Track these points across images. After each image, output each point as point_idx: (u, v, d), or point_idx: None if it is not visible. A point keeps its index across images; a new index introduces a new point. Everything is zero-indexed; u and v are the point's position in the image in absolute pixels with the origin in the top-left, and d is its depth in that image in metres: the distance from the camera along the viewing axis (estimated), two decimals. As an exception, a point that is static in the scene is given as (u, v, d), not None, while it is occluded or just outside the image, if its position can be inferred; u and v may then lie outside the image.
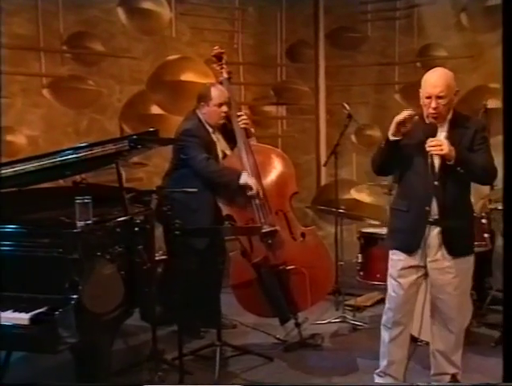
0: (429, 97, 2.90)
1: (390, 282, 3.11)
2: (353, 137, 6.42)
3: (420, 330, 3.10)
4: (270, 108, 6.62)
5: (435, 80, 2.91)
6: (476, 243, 3.86)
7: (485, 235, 3.96)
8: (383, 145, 2.98)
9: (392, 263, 3.10)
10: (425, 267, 3.02)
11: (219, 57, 4.09)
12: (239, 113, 4.04)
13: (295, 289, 3.82)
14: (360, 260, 4.56)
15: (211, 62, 4.32)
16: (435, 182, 2.93)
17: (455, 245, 2.98)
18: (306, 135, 6.63)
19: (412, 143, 2.96)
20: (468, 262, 3.05)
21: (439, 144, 2.86)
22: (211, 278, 3.94)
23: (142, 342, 3.84)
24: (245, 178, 3.80)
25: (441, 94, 2.89)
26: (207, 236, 3.84)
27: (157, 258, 3.64)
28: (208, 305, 3.91)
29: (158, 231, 3.82)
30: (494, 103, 4.98)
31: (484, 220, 4.02)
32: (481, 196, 4.48)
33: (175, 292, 3.44)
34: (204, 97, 3.97)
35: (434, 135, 2.91)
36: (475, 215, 3.91)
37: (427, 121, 2.97)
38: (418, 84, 6.49)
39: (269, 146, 4.14)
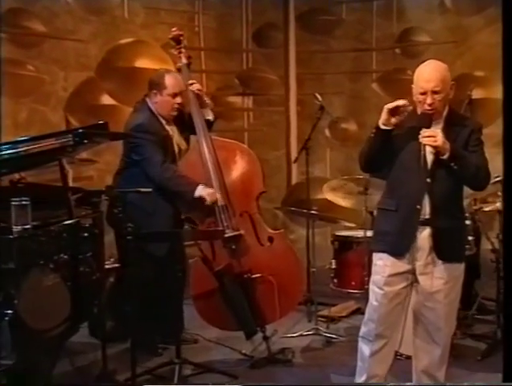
0: (424, 93, 2.92)
1: (373, 290, 3.11)
2: (327, 131, 6.47)
3: (401, 343, 3.12)
4: (235, 99, 6.61)
5: (428, 74, 2.93)
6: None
7: (469, 238, 4.01)
8: (373, 134, 2.98)
9: (377, 269, 3.10)
10: (413, 273, 3.04)
11: (177, 40, 4.04)
12: (191, 81, 3.99)
13: (262, 299, 3.82)
14: (334, 267, 4.59)
15: (169, 47, 4.28)
16: (428, 179, 2.95)
17: (447, 249, 3.01)
18: (275, 129, 6.65)
19: (403, 136, 2.98)
20: (459, 269, 3.09)
21: (433, 135, 2.89)
22: (169, 288, 3.91)
23: (91, 362, 3.77)
24: (200, 192, 3.79)
25: (436, 89, 2.91)
26: (164, 241, 3.82)
27: (108, 266, 3.61)
28: (166, 319, 3.88)
29: (110, 236, 3.80)
30: (479, 93, 5.07)
31: (468, 222, 4.06)
32: (465, 195, 4.54)
33: (129, 304, 3.40)
34: (156, 85, 3.93)
35: (428, 126, 2.94)
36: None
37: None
38: (397, 72, 6.56)
39: (233, 141, 4.12)
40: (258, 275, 3.82)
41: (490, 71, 5.81)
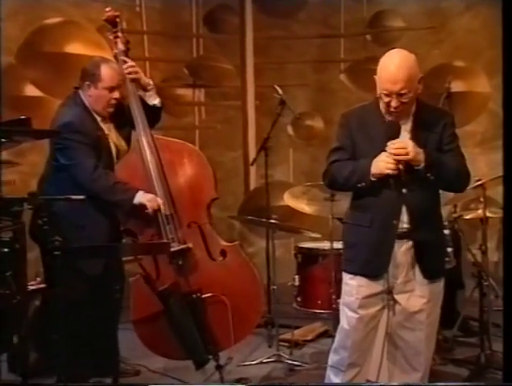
0: (388, 95, 2.92)
1: (346, 314, 3.12)
2: (289, 129, 6.48)
3: (379, 372, 3.12)
4: (184, 92, 6.58)
5: (394, 74, 2.90)
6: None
7: (449, 249, 4.06)
8: (362, 185, 3.00)
9: (350, 289, 3.11)
10: (390, 292, 3.06)
11: (113, 22, 3.97)
12: (126, 65, 3.89)
13: (213, 322, 3.80)
14: (297, 283, 4.58)
15: (106, 29, 4.20)
16: (403, 190, 2.98)
17: (429, 263, 3.06)
18: (230, 126, 6.64)
19: (372, 144, 3.00)
20: (440, 286, 3.14)
21: (404, 147, 2.90)
22: (105, 312, 3.85)
23: (10, 403, 3.70)
24: (140, 198, 3.76)
25: (403, 91, 2.90)
26: (98, 257, 3.77)
27: (31, 288, 3.51)
28: (101, 347, 3.83)
29: (36, 252, 3.75)
30: (459, 85, 5.13)
31: (446, 231, 4.10)
32: (444, 201, 4.58)
33: (57, 331, 3.33)
34: (90, 76, 3.86)
35: (397, 135, 2.95)
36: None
37: (386, 118, 3.00)
38: (368, 62, 6.57)
39: (178, 140, 4.07)
40: (209, 295, 3.80)
41: (472, 60, 5.89)
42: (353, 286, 3.09)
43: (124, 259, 3.97)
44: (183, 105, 6.59)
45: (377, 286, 3.05)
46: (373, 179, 2.97)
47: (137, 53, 4.70)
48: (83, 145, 3.77)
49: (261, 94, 6.42)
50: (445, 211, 5.21)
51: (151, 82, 4.01)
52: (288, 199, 4.61)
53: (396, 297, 3.06)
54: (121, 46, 3.96)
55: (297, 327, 4.80)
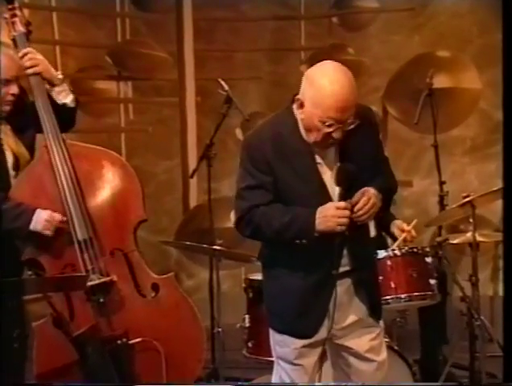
0: (331, 125, 2.89)
1: (283, 367, 3.18)
2: (238, 132, 6.50)
3: None
4: (107, 85, 6.58)
5: (345, 100, 2.88)
6: (416, 293, 4.08)
7: (431, 281, 4.10)
8: (301, 242, 3.01)
9: (282, 339, 3.15)
10: (333, 338, 3.13)
11: (8, -3, 3.96)
12: (24, 51, 3.83)
13: (143, 374, 3.80)
14: (247, 325, 4.58)
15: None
16: (346, 233, 3.00)
17: (371, 299, 3.15)
18: (165, 128, 6.66)
19: (301, 181, 3.01)
20: (381, 321, 3.24)
21: (369, 201, 2.93)
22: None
23: None
24: (37, 223, 3.72)
25: (350, 120, 2.92)
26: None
27: None
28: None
29: None
30: (443, 80, 5.22)
31: (429, 259, 4.14)
32: (426, 222, 4.64)
33: None
34: None
35: (350, 183, 2.97)
36: (416, 250, 4.12)
37: (307, 146, 2.99)
38: (334, 50, 6.61)
39: (98, 147, 4.06)
40: (138, 340, 3.80)
41: (458, 50, 6.00)
42: (286, 336, 3.15)
43: (25, 298, 3.90)
44: (104, 102, 6.60)
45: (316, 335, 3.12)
46: (316, 235, 2.98)
47: (43, 35, 4.63)
48: None
49: (203, 89, 6.46)
50: (428, 233, 5.30)
51: (60, 75, 3.96)
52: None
53: (339, 341, 3.14)
54: (20, 27, 3.92)
55: (247, 380, 4.79)
